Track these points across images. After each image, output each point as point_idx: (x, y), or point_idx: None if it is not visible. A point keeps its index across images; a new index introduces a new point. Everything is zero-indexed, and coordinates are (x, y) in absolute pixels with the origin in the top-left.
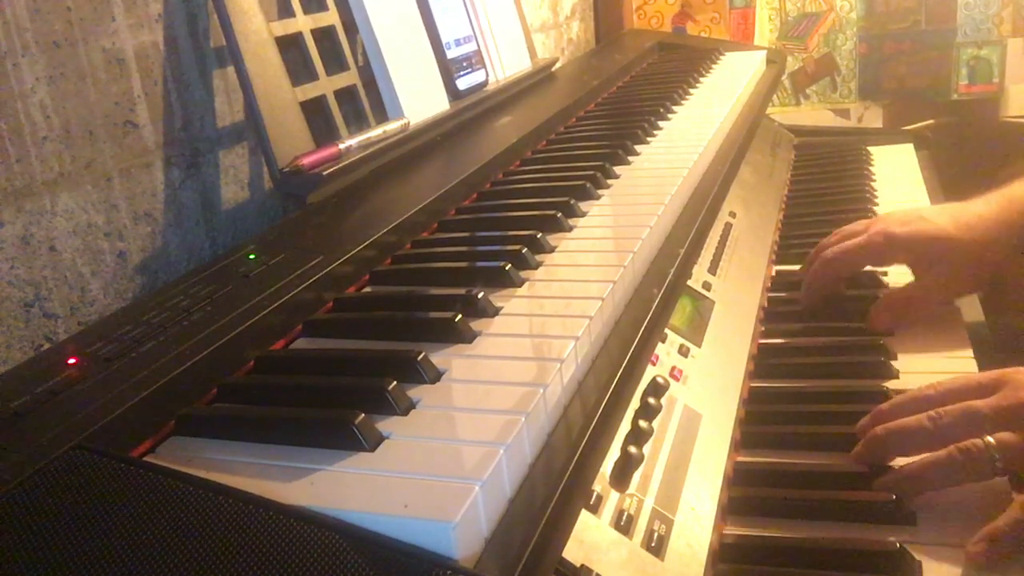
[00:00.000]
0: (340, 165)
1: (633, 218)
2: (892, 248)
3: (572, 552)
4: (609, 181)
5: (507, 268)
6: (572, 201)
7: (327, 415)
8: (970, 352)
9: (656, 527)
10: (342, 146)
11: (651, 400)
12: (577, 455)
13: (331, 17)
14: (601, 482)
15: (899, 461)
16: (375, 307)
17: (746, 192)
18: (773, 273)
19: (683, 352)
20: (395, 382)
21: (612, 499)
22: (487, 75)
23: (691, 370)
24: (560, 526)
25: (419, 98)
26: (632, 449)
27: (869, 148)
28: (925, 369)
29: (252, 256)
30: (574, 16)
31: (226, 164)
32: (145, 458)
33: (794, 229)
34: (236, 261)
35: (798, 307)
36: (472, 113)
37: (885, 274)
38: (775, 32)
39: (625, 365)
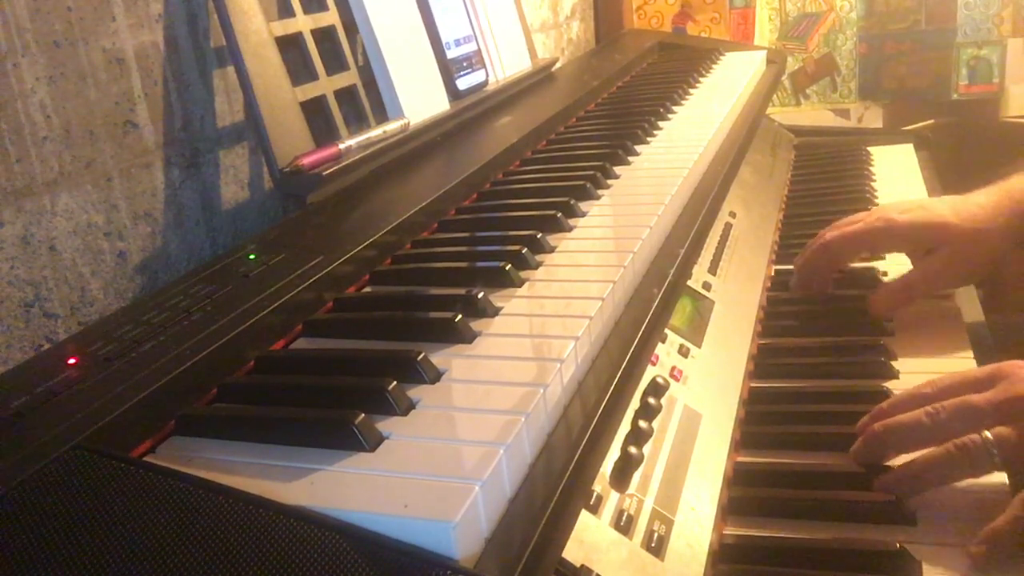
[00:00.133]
0: (340, 165)
1: (633, 218)
2: (891, 234)
3: (572, 552)
4: (609, 181)
5: (507, 268)
6: (572, 201)
7: (327, 415)
8: (970, 352)
9: (656, 527)
10: (342, 146)
11: (651, 400)
12: (577, 455)
13: (331, 17)
14: (601, 482)
15: (899, 460)
16: (375, 307)
17: (746, 192)
18: (773, 273)
19: (683, 352)
20: (395, 382)
21: (612, 499)
22: (487, 75)
23: (691, 370)
24: (560, 526)
25: (419, 98)
26: (632, 449)
27: (869, 148)
28: (925, 369)
29: (252, 256)
30: (574, 16)
31: (226, 164)
32: (145, 458)
33: (794, 229)
34: (236, 261)
35: (798, 307)
36: (472, 113)
37: (885, 274)
38: (775, 32)
39: (625, 365)
